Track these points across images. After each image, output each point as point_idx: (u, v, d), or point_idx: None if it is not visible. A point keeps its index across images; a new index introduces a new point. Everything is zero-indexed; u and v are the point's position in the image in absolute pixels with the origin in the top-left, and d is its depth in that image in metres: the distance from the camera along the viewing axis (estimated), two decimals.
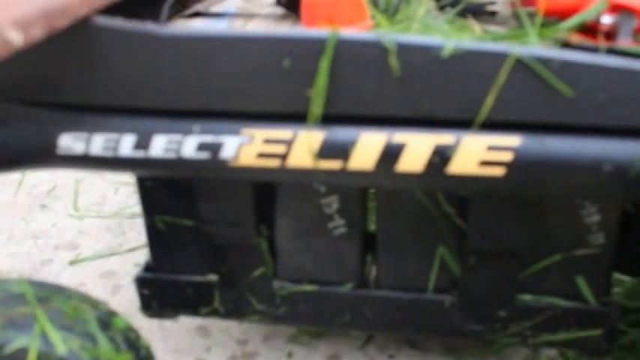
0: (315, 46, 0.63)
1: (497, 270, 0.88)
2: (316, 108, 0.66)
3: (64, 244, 1.70)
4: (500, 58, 0.62)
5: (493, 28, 0.94)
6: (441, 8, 1.50)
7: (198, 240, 0.96)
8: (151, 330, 1.34)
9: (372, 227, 0.97)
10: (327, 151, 0.68)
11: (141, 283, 1.01)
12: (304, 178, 0.71)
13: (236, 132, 0.69)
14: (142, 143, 0.71)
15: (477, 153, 0.65)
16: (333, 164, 0.68)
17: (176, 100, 0.68)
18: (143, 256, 1.59)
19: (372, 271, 0.99)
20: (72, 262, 1.60)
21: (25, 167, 0.75)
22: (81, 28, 0.64)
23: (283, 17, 2.07)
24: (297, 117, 0.67)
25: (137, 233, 1.73)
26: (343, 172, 0.69)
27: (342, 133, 0.67)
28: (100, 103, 0.70)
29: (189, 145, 0.70)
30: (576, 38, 0.94)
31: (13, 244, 1.71)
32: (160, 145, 0.70)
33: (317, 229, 0.91)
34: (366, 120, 0.67)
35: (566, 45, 0.89)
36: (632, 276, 0.99)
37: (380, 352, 1.27)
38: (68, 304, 0.78)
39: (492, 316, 0.92)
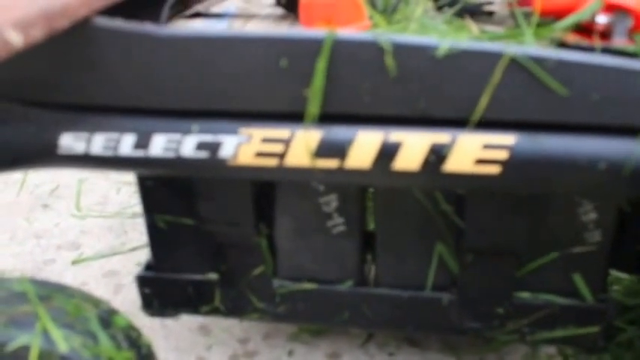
0: (312, 46, 0.64)
1: (495, 268, 0.89)
2: (313, 107, 0.67)
3: (66, 244, 1.71)
4: (495, 57, 0.62)
5: (490, 28, 0.95)
6: (439, 8, 1.51)
7: (198, 239, 0.96)
8: (153, 329, 1.34)
9: (372, 226, 0.97)
10: (325, 150, 0.68)
11: (142, 282, 1.02)
12: (302, 176, 0.71)
13: (234, 131, 0.69)
14: (142, 143, 0.71)
15: (472, 151, 0.66)
16: (331, 163, 0.69)
17: (175, 100, 0.69)
18: (145, 255, 1.59)
19: (371, 270, 1.00)
20: (74, 262, 1.61)
21: (27, 167, 0.76)
22: (81, 29, 0.65)
23: (283, 18, 2.08)
24: (294, 116, 0.68)
25: (139, 233, 1.74)
26: (340, 171, 0.69)
27: (339, 132, 0.68)
28: (100, 103, 0.71)
29: (188, 145, 0.71)
30: (572, 38, 0.95)
31: (16, 244, 1.72)
32: (159, 145, 0.71)
33: (316, 228, 0.92)
34: (363, 119, 0.67)
35: (562, 44, 0.90)
36: (629, 273, 1.00)
37: (380, 350, 1.27)
38: (69, 302, 0.78)
39: (490, 313, 0.93)
